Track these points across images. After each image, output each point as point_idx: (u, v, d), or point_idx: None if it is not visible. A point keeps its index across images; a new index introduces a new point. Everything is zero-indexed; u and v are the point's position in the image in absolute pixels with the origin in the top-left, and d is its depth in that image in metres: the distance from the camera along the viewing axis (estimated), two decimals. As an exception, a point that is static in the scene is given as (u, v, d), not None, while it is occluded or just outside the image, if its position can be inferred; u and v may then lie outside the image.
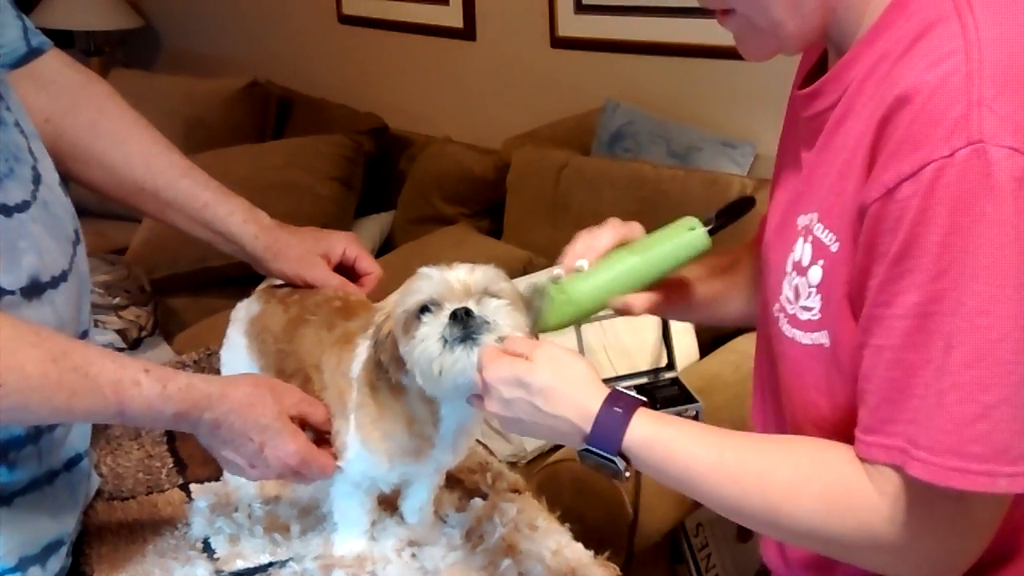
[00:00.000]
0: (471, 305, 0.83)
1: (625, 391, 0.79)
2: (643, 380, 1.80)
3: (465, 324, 0.82)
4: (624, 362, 1.87)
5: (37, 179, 0.91)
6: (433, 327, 0.83)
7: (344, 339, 0.98)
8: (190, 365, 1.37)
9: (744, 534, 1.92)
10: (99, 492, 1.10)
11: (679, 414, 1.69)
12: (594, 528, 1.65)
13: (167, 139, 1.13)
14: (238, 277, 1.12)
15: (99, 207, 2.99)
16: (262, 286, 1.14)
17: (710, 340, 2.08)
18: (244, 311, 1.10)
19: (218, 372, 1.14)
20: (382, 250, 2.87)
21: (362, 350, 0.95)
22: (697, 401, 1.70)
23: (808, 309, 0.77)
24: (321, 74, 3.47)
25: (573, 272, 0.91)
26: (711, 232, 0.93)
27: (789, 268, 0.79)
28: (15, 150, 0.89)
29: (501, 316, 0.84)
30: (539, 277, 0.95)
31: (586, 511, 1.62)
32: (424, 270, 0.88)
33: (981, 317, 0.63)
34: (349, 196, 2.92)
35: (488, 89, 2.97)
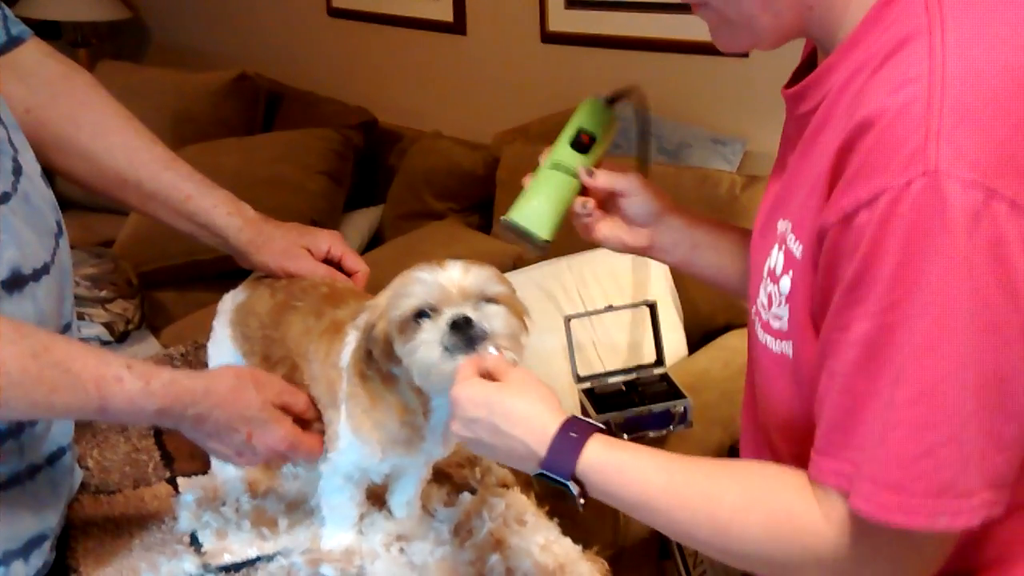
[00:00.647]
0: (470, 312, 0.84)
1: (583, 418, 0.80)
2: (632, 376, 1.80)
3: (464, 332, 0.83)
4: (613, 358, 1.87)
5: (18, 170, 0.90)
6: (432, 334, 0.84)
7: (333, 328, 0.98)
8: (177, 359, 1.36)
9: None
10: (85, 486, 1.10)
11: (668, 410, 1.69)
12: (582, 523, 1.65)
13: (150, 131, 1.12)
14: (226, 271, 1.11)
15: (86, 200, 2.98)
16: (250, 279, 1.13)
17: (699, 337, 2.09)
18: (230, 301, 1.10)
19: (205, 366, 1.13)
20: (371, 245, 2.86)
21: (352, 340, 0.95)
22: (685, 397, 1.70)
23: (778, 318, 0.77)
24: (310, 68, 3.45)
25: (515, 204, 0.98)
26: (609, 102, 1.01)
27: (765, 273, 0.79)
28: None
29: (498, 324, 0.85)
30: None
31: (573, 507, 1.62)
32: (417, 272, 0.87)
33: (928, 355, 0.63)
34: (338, 190, 2.90)
35: (478, 84, 2.97)
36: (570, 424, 0.78)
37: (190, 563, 0.97)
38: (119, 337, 2.46)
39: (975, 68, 0.64)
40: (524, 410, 0.80)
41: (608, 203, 1.00)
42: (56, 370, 0.81)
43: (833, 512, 0.69)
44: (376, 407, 0.93)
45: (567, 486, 0.77)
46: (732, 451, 1.82)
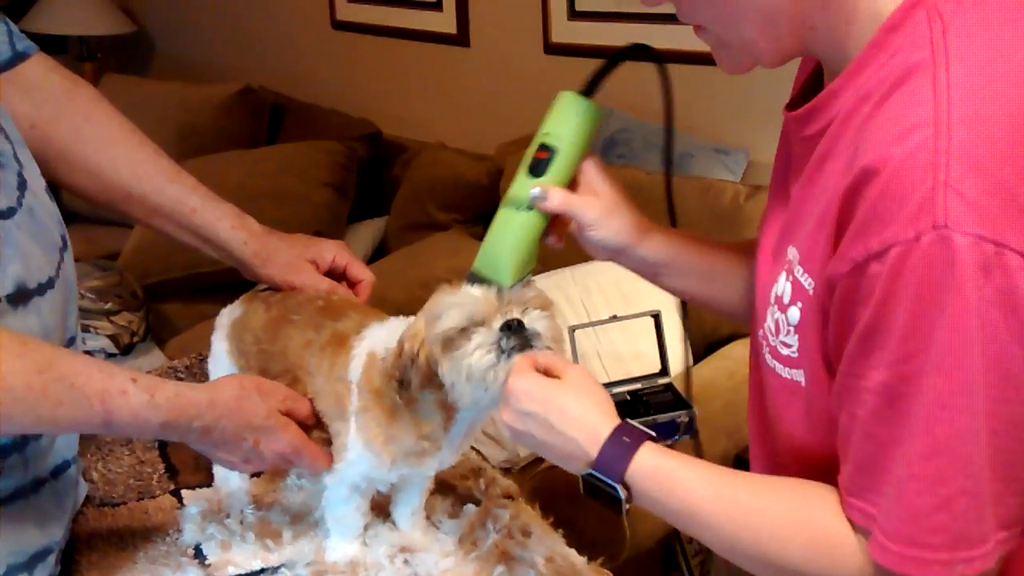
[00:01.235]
0: (519, 315, 0.85)
1: (636, 424, 0.80)
2: (636, 386, 1.79)
3: (518, 334, 0.84)
4: (618, 368, 1.87)
5: (23, 185, 0.91)
6: (488, 337, 0.84)
7: (335, 341, 0.98)
8: (182, 371, 1.36)
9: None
10: (89, 498, 1.10)
11: (672, 420, 1.68)
12: (587, 534, 1.65)
13: (155, 144, 1.12)
14: (230, 283, 1.12)
15: (91, 213, 2.99)
16: (246, 294, 1.13)
17: (704, 347, 2.08)
18: (227, 317, 1.11)
19: (209, 379, 1.13)
20: (375, 256, 2.87)
21: (358, 352, 0.95)
22: (691, 407, 1.70)
23: (787, 346, 0.77)
24: (314, 80, 3.47)
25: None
26: (586, 93, 0.91)
27: (772, 300, 0.79)
28: (0, 156, 0.89)
29: (546, 326, 0.86)
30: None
31: (579, 517, 1.61)
32: (449, 292, 0.88)
33: (941, 411, 0.64)
34: (342, 202, 2.91)
35: (482, 95, 2.97)
36: (623, 429, 0.79)
37: (194, 575, 0.97)
38: (124, 349, 2.46)
39: (980, 113, 0.63)
40: (579, 410, 0.80)
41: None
42: (61, 384, 0.80)
43: (862, 543, 0.71)
44: (392, 424, 0.93)
45: (615, 489, 0.77)
46: (737, 460, 1.82)
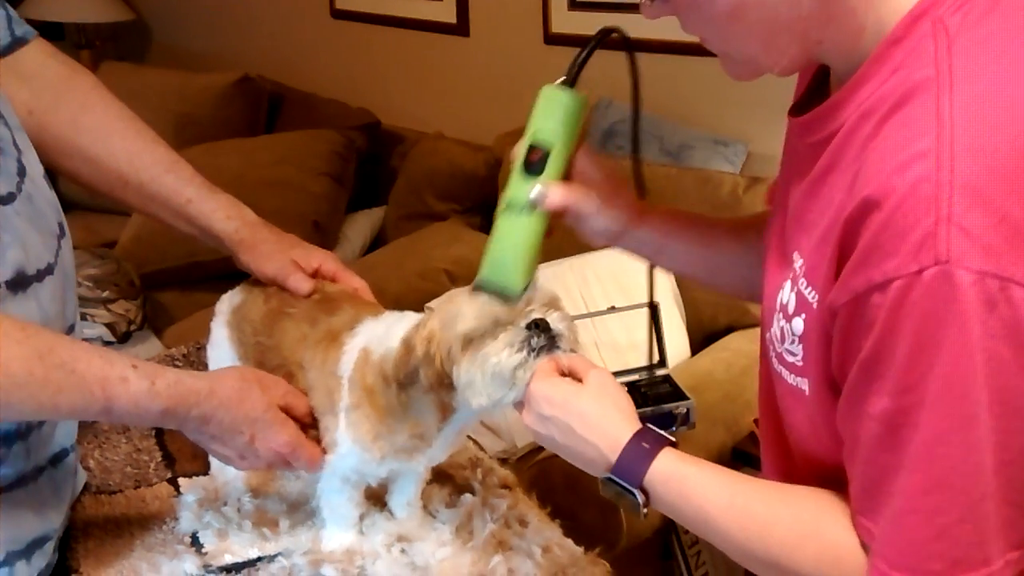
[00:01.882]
0: (543, 315, 0.85)
1: (656, 430, 0.81)
2: (634, 377, 1.79)
3: (546, 333, 0.84)
4: (615, 359, 1.87)
5: (22, 171, 0.90)
6: (516, 336, 0.84)
7: (329, 337, 0.97)
8: (179, 359, 1.36)
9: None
10: (86, 486, 1.10)
11: (671, 411, 1.68)
12: (585, 524, 1.65)
13: (153, 132, 1.12)
14: (228, 272, 1.11)
15: (88, 201, 2.98)
16: (246, 282, 1.13)
17: (702, 338, 2.08)
18: (227, 303, 1.10)
19: (207, 367, 1.13)
20: (373, 246, 2.87)
21: (351, 348, 0.94)
22: (688, 398, 1.70)
23: (792, 354, 0.77)
24: (313, 69, 3.46)
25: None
26: (567, 82, 0.89)
27: (777, 306, 0.79)
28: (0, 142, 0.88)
29: (566, 327, 0.86)
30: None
31: (577, 507, 1.61)
32: (471, 295, 0.87)
33: (940, 445, 0.64)
34: (340, 192, 2.90)
35: (481, 85, 2.96)
36: (643, 434, 0.80)
37: (191, 563, 0.97)
38: (121, 338, 2.46)
39: (984, 143, 0.62)
40: (599, 415, 0.81)
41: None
42: (62, 370, 0.80)
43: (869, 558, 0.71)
44: (383, 421, 0.92)
45: (634, 493, 0.78)
46: (735, 452, 1.82)
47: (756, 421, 1.86)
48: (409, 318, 0.96)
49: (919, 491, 0.66)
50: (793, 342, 0.76)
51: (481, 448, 1.23)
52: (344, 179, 2.92)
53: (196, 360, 1.34)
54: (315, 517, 1.03)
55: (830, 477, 0.77)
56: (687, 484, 0.78)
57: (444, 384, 0.87)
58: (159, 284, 2.66)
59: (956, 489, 0.65)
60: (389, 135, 3.06)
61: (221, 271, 1.12)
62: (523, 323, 0.84)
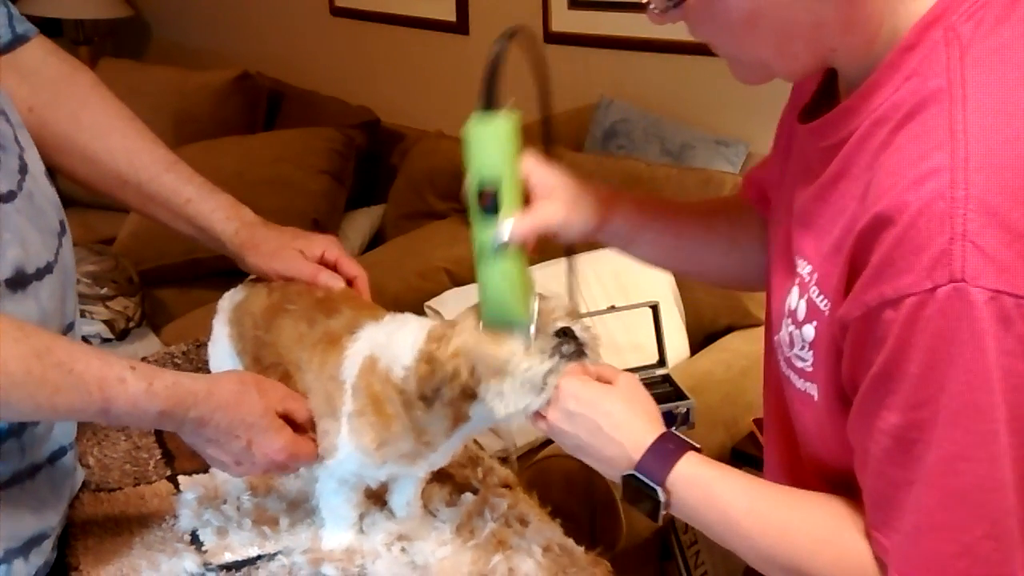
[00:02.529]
0: (570, 323, 0.86)
1: (680, 435, 0.82)
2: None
3: (576, 340, 0.86)
4: (615, 359, 1.85)
5: (23, 169, 0.90)
6: (548, 343, 0.85)
7: (327, 340, 0.97)
8: (179, 357, 1.36)
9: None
10: (86, 484, 1.09)
11: (671, 411, 1.68)
12: (583, 524, 1.65)
13: (152, 132, 1.11)
14: (226, 270, 1.11)
15: (87, 198, 2.97)
16: (250, 278, 1.13)
17: (702, 339, 2.08)
18: (229, 300, 1.10)
19: (206, 364, 1.13)
20: (372, 244, 2.86)
21: (353, 352, 0.94)
22: (689, 398, 1.70)
23: (802, 359, 0.77)
24: (313, 67, 3.45)
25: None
26: (486, 106, 0.85)
27: (785, 311, 0.79)
28: (1, 139, 0.88)
29: (590, 336, 0.88)
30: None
31: (575, 507, 1.62)
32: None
33: (959, 463, 0.64)
34: (340, 190, 2.90)
35: (481, 84, 2.96)
36: (668, 437, 0.81)
37: (191, 561, 0.97)
38: (120, 335, 2.46)
39: (998, 159, 0.62)
40: (627, 416, 0.82)
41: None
42: (59, 370, 0.80)
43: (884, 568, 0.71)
44: (389, 429, 0.92)
45: (656, 491, 0.79)
46: (734, 453, 1.82)
47: (756, 421, 1.86)
48: (411, 323, 0.96)
49: (939, 508, 0.65)
50: (803, 348, 0.76)
51: (480, 447, 1.23)
52: (343, 177, 2.92)
53: (196, 358, 1.34)
54: (315, 515, 1.03)
55: (838, 480, 0.77)
56: (711, 487, 0.78)
57: (467, 396, 0.87)
58: (158, 281, 2.65)
59: (978, 505, 0.64)
60: (389, 133, 3.06)
61: (220, 268, 1.12)
62: (551, 331, 0.85)
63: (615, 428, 0.82)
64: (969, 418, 0.63)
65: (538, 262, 2.04)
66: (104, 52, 3.88)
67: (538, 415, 0.86)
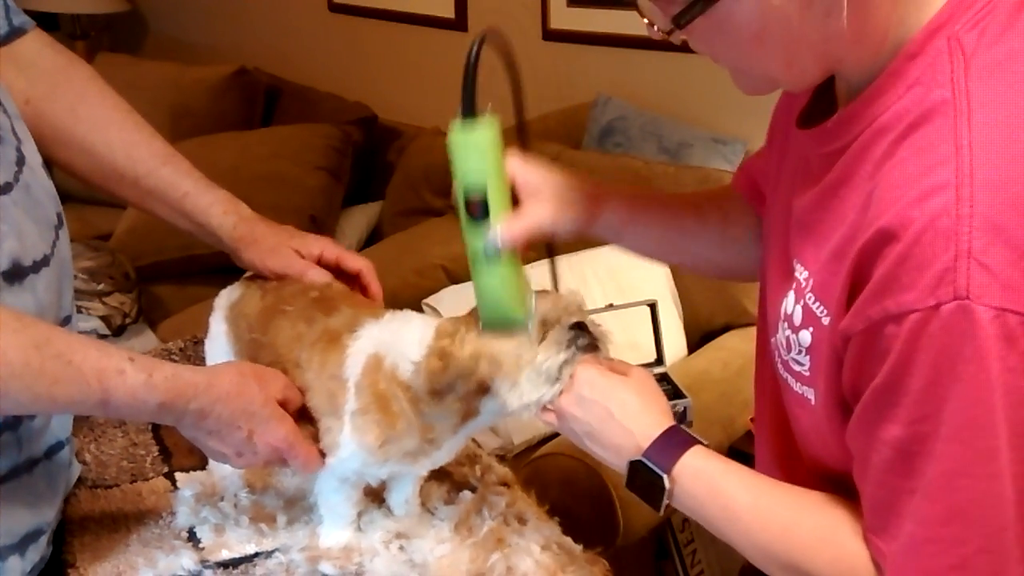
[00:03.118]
0: (582, 318, 0.88)
1: (688, 431, 0.83)
2: (631, 375, 1.79)
3: (590, 333, 0.88)
4: (613, 356, 1.87)
5: (20, 161, 0.89)
6: (563, 335, 0.87)
7: (327, 338, 0.96)
8: (176, 353, 1.35)
9: (729, 530, 1.92)
10: (82, 480, 1.09)
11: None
12: (579, 523, 1.65)
13: (150, 125, 1.11)
14: (224, 266, 1.11)
15: (84, 192, 2.97)
16: (245, 276, 1.12)
17: (699, 337, 2.08)
18: (225, 298, 1.10)
19: (203, 361, 1.13)
20: (369, 241, 2.86)
21: (355, 351, 0.94)
22: (686, 397, 1.70)
23: (799, 363, 0.77)
24: (310, 62, 3.44)
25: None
26: (467, 113, 0.84)
27: (782, 314, 0.79)
28: None
29: (602, 331, 0.89)
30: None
31: (572, 505, 1.61)
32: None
33: (959, 479, 0.64)
34: (337, 186, 2.90)
35: (479, 81, 2.95)
36: (677, 430, 0.83)
37: (188, 559, 0.97)
38: (116, 331, 2.45)
39: (1004, 175, 0.62)
40: (639, 406, 0.84)
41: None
42: (58, 361, 0.79)
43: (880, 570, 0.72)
44: (394, 426, 0.92)
45: (662, 479, 0.80)
46: (731, 451, 1.82)
47: (753, 420, 1.87)
48: (415, 320, 0.96)
49: (937, 520, 0.66)
50: (800, 352, 0.76)
51: (478, 445, 1.23)
52: (340, 174, 2.91)
53: (193, 354, 1.34)
54: (313, 513, 1.03)
55: (835, 479, 0.78)
56: (716, 481, 0.80)
57: (480, 391, 0.88)
58: (154, 277, 2.65)
59: (976, 520, 0.65)
60: (386, 130, 3.05)
61: (217, 264, 1.12)
62: (567, 323, 0.87)
63: (627, 416, 0.83)
64: (970, 434, 0.63)
65: (534, 260, 2.04)
66: (101, 47, 3.87)
67: (546, 408, 0.88)
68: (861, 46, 0.70)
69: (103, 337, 2.42)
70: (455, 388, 0.88)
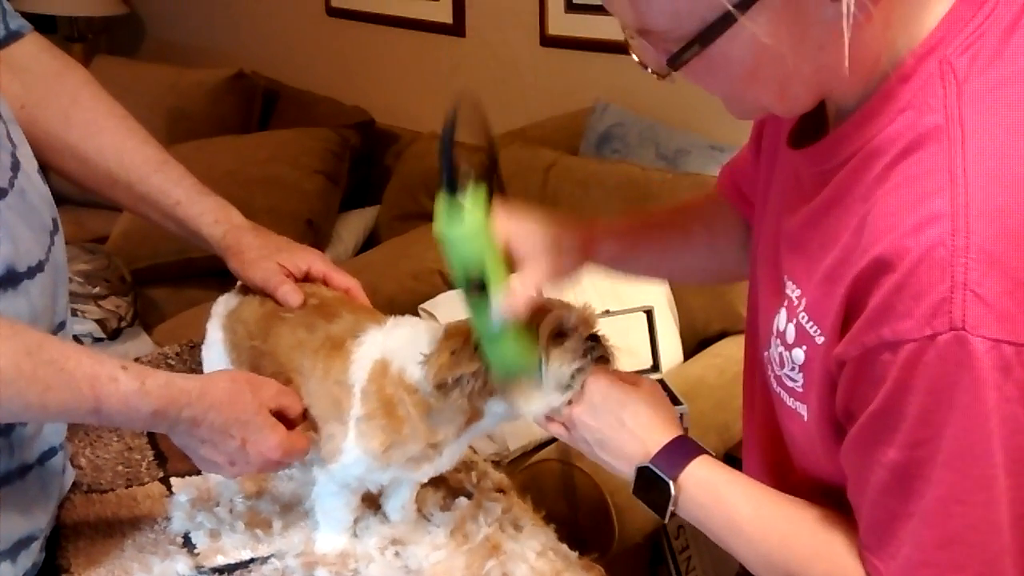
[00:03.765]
0: (596, 331, 0.91)
1: (697, 441, 0.85)
2: (627, 381, 1.79)
3: (604, 344, 0.91)
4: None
5: (15, 166, 0.89)
6: (579, 344, 0.89)
7: (330, 345, 0.96)
8: (172, 358, 1.35)
9: (724, 537, 1.92)
10: (77, 485, 1.09)
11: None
12: (574, 529, 1.64)
13: (144, 131, 1.10)
14: (221, 270, 1.10)
15: (79, 196, 2.95)
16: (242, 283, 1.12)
17: (695, 344, 2.08)
18: (223, 305, 1.09)
19: (200, 366, 1.12)
20: (366, 246, 2.86)
21: (360, 356, 0.94)
22: (682, 404, 1.70)
23: (792, 379, 0.78)
24: (308, 66, 3.45)
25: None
26: (452, 190, 0.81)
27: (774, 331, 0.79)
28: None
29: (612, 345, 0.92)
30: None
31: (567, 512, 1.61)
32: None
33: (955, 505, 0.65)
34: (334, 190, 2.90)
35: (476, 86, 2.96)
36: (685, 440, 0.85)
37: (183, 564, 0.96)
38: (112, 334, 2.45)
39: (999, 204, 0.61)
40: (650, 415, 0.86)
41: None
42: (50, 368, 0.79)
43: None
44: (399, 432, 0.92)
45: (668, 485, 0.82)
46: (726, 458, 1.82)
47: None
48: (420, 325, 0.96)
49: (934, 545, 0.66)
50: (793, 369, 0.77)
51: (474, 451, 1.23)
52: (338, 178, 2.91)
53: (189, 359, 1.34)
54: (308, 518, 1.02)
55: (827, 491, 0.78)
56: (719, 490, 0.81)
57: (487, 391, 0.89)
58: (150, 280, 2.64)
59: (974, 545, 0.65)
60: (383, 134, 3.06)
61: (213, 268, 1.11)
62: (585, 334, 0.89)
63: (638, 425, 0.85)
64: (966, 463, 0.63)
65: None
66: (98, 49, 3.87)
67: (550, 419, 0.90)
68: (853, 73, 0.69)
69: (98, 340, 2.42)
70: (463, 382, 0.88)
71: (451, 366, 0.88)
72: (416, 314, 2.01)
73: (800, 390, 0.76)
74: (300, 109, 3.22)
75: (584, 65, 2.63)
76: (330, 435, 0.95)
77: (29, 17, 1.07)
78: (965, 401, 0.62)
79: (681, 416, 1.70)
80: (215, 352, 1.07)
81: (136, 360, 1.31)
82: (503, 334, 0.86)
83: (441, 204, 0.82)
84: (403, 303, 2.07)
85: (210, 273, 2.35)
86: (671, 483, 0.81)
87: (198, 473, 1.11)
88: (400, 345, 0.93)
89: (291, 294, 1.03)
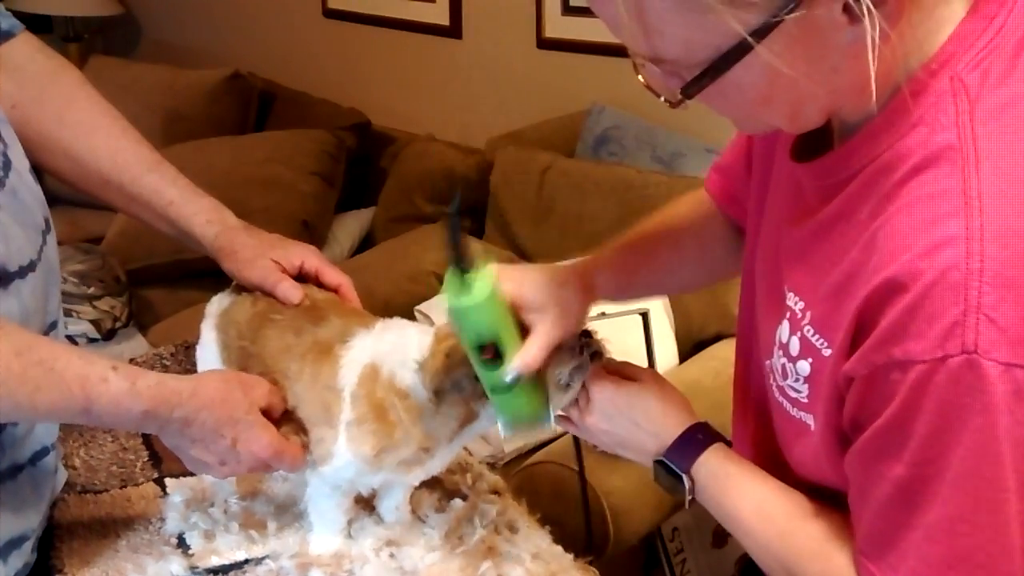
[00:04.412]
0: (588, 327, 0.91)
1: (713, 427, 0.87)
2: (623, 384, 1.79)
3: (597, 342, 0.91)
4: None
5: (7, 165, 0.89)
6: (573, 342, 0.89)
7: (318, 349, 0.96)
8: (167, 358, 1.35)
9: (719, 540, 1.92)
10: (71, 485, 1.08)
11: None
12: (570, 531, 1.64)
13: (137, 132, 1.10)
14: (215, 270, 1.10)
15: (73, 196, 2.92)
16: (236, 283, 1.12)
17: (690, 346, 2.09)
18: (216, 305, 1.09)
19: (195, 366, 1.12)
20: (362, 247, 2.86)
21: (349, 361, 0.93)
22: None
23: (796, 391, 0.78)
24: (305, 68, 3.44)
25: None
26: (463, 269, 0.82)
27: (776, 343, 0.79)
28: None
29: (601, 338, 0.92)
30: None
31: (562, 514, 1.61)
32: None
33: (965, 524, 0.65)
34: (330, 192, 2.90)
35: (473, 88, 2.96)
36: (699, 427, 0.87)
37: (177, 565, 0.96)
38: (106, 334, 2.44)
39: (1013, 227, 0.61)
40: (661, 409, 0.88)
41: None
42: (40, 368, 0.79)
43: None
44: (391, 436, 0.92)
45: (682, 478, 0.85)
46: (721, 461, 1.82)
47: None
48: (409, 328, 0.96)
49: (941, 563, 0.66)
50: (798, 380, 0.77)
51: (469, 453, 1.22)
52: (334, 179, 2.91)
53: (184, 359, 1.33)
54: (303, 520, 1.02)
55: (828, 494, 0.79)
56: (728, 482, 0.84)
57: (483, 393, 0.89)
58: (145, 281, 2.64)
59: (983, 567, 0.65)
60: (380, 136, 3.06)
61: (208, 269, 1.11)
62: (575, 333, 0.89)
63: (651, 422, 0.88)
64: (974, 485, 0.64)
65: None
66: (94, 50, 3.86)
67: (562, 416, 0.91)
68: (865, 91, 0.68)
69: (93, 341, 2.42)
70: (461, 386, 0.89)
71: (447, 370, 0.88)
72: (411, 316, 2.01)
73: (805, 401, 0.77)
74: (296, 110, 3.22)
75: (581, 68, 2.64)
76: (320, 439, 0.95)
77: (25, 17, 1.07)
78: (976, 424, 0.62)
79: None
80: (208, 352, 1.07)
81: (131, 361, 1.30)
82: (517, 390, 0.88)
83: (450, 279, 0.83)
84: (398, 305, 2.07)
85: (205, 273, 2.33)
86: (684, 475, 0.84)
87: (192, 474, 1.11)
88: (389, 349, 0.93)
89: (290, 291, 1.03)
